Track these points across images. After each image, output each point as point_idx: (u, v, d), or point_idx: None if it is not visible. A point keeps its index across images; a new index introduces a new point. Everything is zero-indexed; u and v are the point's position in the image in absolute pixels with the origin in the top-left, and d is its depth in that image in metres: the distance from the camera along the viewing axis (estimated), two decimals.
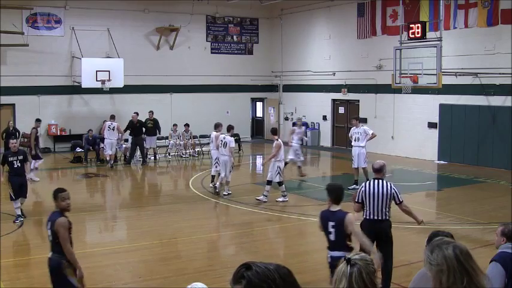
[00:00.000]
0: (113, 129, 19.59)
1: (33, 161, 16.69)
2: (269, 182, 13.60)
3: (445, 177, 17.54)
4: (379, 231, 7.34)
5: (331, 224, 6.18)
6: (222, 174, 14.31)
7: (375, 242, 7.24)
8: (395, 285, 7.71)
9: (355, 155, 15.15)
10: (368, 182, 7.49)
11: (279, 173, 13.48)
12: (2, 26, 21.45)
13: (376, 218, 7.34)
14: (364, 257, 2.59)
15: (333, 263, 6.35)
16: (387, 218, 7.43)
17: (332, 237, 6.21)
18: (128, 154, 20.64)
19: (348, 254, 2.62)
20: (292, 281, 2.05)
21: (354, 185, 14.72)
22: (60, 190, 6.30)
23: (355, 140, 15.21)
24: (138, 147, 20.15)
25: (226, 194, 14.36)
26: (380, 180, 7.44)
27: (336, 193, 6.27)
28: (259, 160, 23.61)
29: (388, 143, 21.51)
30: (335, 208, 6.25)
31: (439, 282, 2.73)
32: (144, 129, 20.43)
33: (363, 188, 7.42)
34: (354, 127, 15.46)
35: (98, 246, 10.03)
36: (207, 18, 26.96)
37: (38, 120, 18.30)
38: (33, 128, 17.43)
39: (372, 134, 15.20)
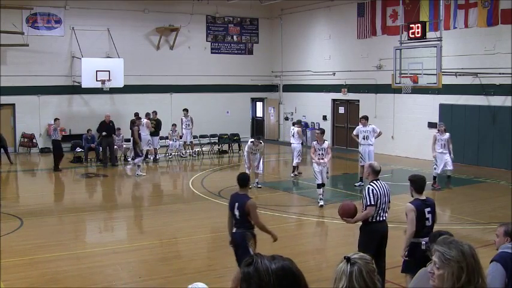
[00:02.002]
0: (143, 126, 20.12)
1: (137, 157, 17.78)
2: (322, 185, 13.15)
3: (445, 177, 17.52)
4: (385, 232, 7.41)
5: (427, 210, 6.63)
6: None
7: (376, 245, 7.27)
8: (395, 285, 7.70)
9: (364, 152, 15.36)
10: (373, 183, 7.33)
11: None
12: (2, 26, 21.45)
13: (383, 219, 7.35)
14: (363, 256, 2.59)
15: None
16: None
17: (428, 222, 6.65)
18: (127, 154, 20.69)
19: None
20: (289, 284, 2.06)
21: (360, 182, 15.20)
22: (246, 174, 8.14)
23: (363, 139, 15.43)
24: (108, 147, 19.86)
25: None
26: (380, 181, 7.42)
27: (420, 183, 6.75)
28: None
29: (388, 143, 21.49)
30: (422, 197, 6.73)
31: (458, 279, 2.68)
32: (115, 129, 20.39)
33: (375, 190, 7.22)
34: (362, 126, 15.63)
35: (98, 246, 10.03)
36: (207, 18, 26.97)
37: (139, 118, 18.45)
38: (135, 125, 17.80)
39: (379, 131, 15.80)
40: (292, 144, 17.64)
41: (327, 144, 13.31)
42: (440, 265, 2.75)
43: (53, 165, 18.65)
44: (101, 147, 20.18)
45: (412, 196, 6.80)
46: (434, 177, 15.02)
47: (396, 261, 8.46)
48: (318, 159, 13.06)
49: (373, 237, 7.28)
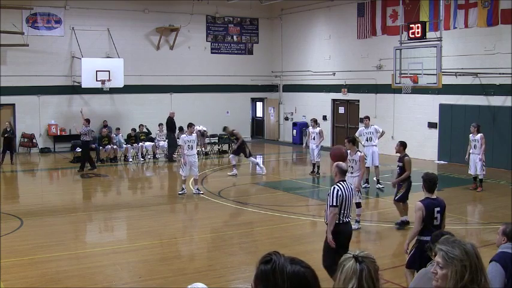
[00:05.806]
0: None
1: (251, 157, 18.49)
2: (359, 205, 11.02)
3: (445, 177, 17.50)
4: (351, 232, 7.44)
5: (436, 209, 6.75)
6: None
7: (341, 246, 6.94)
8: (395, 285, 7.70)
9: (369, 154, 15.14)
10: (340, 184, 7.15)
11: (359, 191, 11.10)
12: (2, 26, 21.45)
13: (348, 220, 7.23)
14: (368, 254, 2.57)
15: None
16: None
17: (436, 221, 6.76)
18: (127, 154, 20.79)
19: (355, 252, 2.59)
20: None
21: (366, 184, 14.80)
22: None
23: (367, 140, 15.21)
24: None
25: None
26: (346, 182, 7.29)
27: (431, 182, 6.90)
28: (259, 160, 23.57)
29: (388, 143, 21.46)
30: (433, 196, 6.89)
31: (461, 278, 2.68)
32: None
33: (340, 192, 7.04)
34: (364, 127, 15.40)
35: (98, 246, 10.03)
36: (207, 18, 26.96)
37: None
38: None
39: (382, 130, 15.66)
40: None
41: (359, 155, 10.99)
42: (444, 264, 2.75)
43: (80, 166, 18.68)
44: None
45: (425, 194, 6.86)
46: (475, 178, 14.84)
47: (397, 261, 8.48)
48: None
49: (342, 238, 7.07)
